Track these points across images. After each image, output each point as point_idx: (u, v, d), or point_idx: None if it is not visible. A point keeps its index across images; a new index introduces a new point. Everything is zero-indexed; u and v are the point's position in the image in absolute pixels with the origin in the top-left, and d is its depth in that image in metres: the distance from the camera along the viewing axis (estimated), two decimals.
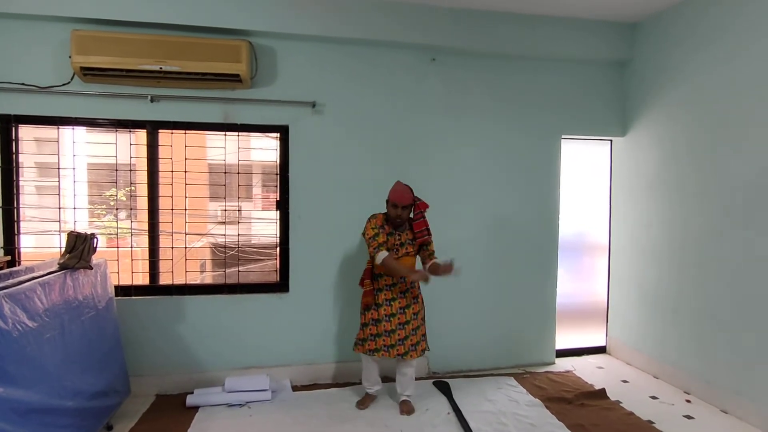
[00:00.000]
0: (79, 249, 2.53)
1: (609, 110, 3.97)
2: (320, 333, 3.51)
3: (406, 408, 3.02)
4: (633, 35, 3.83)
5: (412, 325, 2.98)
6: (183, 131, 3.32)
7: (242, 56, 3.10)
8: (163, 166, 3.31)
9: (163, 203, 3.32)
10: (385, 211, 3.01)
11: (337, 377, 3.51)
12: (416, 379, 3.54)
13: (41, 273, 2.36)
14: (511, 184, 3.79)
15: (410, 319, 2.98)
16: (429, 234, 3.03)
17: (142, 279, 3.36)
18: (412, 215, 3.02)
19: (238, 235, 3.45)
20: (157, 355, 3.27)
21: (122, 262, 3.24)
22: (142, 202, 3.33)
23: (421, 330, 3.06)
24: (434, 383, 3.47)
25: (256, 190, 4.25)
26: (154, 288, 3.32)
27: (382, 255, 2.82)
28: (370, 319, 3.00)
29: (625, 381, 3.58)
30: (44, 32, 3.07)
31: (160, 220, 3.32)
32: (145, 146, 3.29)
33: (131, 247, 3.31)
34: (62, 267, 2.45)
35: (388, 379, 3.42)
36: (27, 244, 3.28)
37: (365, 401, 3.11)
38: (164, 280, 3.35)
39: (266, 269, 3.61)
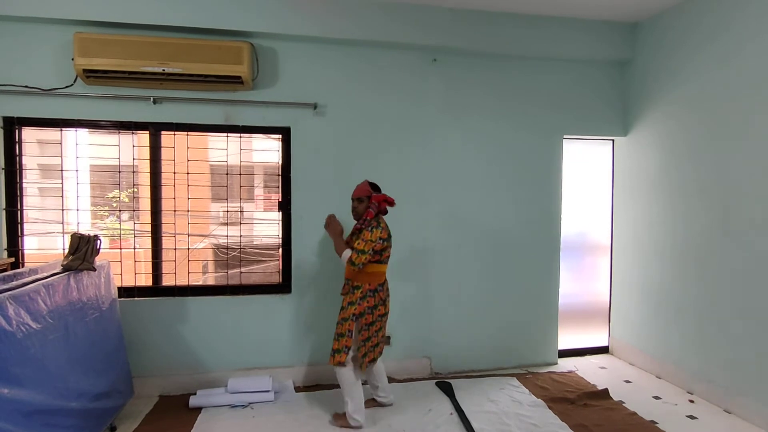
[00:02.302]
0: (82, 250, 2.54)
1: (610, 110, 3.97)
2: (322, 334, 3.50)
3: (334, 419, 2.93)
4: (634, 35, 3.83)
5: (337, 330, 2.85)
6: (185, 133, 3.32)
7: (244, 58, 3.11)
8: (165, 167, 3.32)
9: (165, 204, 3.33)
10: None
11: None
12: (419, 379, 3.57)
13: (45, 275, 2.36)
14: (513, 184, 3.79)
15: (338, 322, 2.87)
16: (363, 222, 2.86)
17: (145, 280, 3.37)
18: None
19: (241, 236, 3.46)
20: (160, 356, 3.28)
21: (125, 263, 3.25)
22: (145, 204, 3.34)
23: (344, 341, 2.77)
24: (437, 384, 3.47)
25: (258, 191, 4.25)
26: (156, 289, 3.33)
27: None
28: None
29: (627, 381, 3.57)
30: (47, 35, 3.08)
31: (163, 222, 3.33)
32: (148, 148, 3.30)
33: (134, 249, 3.33)
34: (66, 269, 2.46)
35: (392, 380, 3.43)
36: (30, 245, 3.30)
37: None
38: (167, 281, 3.36)
39: (268, 270, 3.62)
